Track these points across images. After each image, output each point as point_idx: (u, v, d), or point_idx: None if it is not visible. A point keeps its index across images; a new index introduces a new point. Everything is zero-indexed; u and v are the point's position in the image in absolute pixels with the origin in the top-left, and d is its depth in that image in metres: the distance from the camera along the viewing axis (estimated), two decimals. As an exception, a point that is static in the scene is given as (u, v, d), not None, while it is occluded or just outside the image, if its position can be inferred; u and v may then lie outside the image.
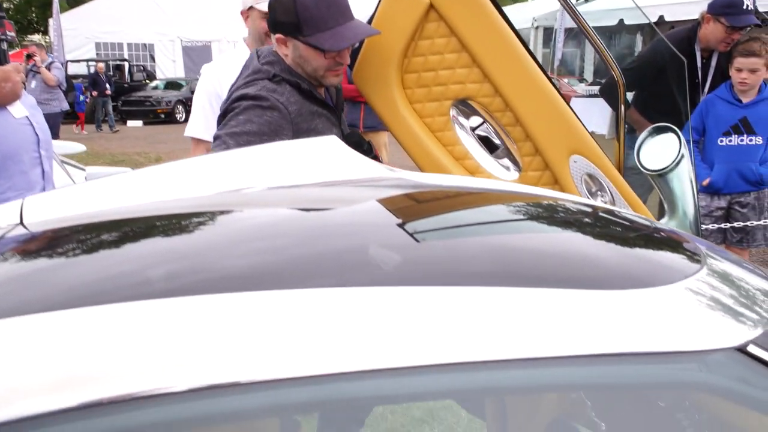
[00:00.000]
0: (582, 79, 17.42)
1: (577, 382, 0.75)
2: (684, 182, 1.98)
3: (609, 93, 3.40)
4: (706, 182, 3.37)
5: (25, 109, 2.46)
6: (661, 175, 1.93)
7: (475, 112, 2.07)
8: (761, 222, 3.33)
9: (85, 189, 1.18)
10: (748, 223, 3.36)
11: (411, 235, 0.96)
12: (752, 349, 0.73)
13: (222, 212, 1.07)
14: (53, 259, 0.92)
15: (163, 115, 16.58)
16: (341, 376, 0.66)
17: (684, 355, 0.72)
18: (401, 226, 0.99)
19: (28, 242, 1.01)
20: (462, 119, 2.09)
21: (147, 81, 18.91)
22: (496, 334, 0.70)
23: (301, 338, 0.68)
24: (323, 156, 1.26)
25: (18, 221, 1.07)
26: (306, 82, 1.83)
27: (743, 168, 3.36)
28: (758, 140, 3.35)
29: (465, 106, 2.07)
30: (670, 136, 1.98)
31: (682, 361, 0.72)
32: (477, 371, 0.68)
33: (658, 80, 3.36)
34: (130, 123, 16.44)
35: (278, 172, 1.21)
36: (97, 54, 19.52)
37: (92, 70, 16.16)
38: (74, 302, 0.72)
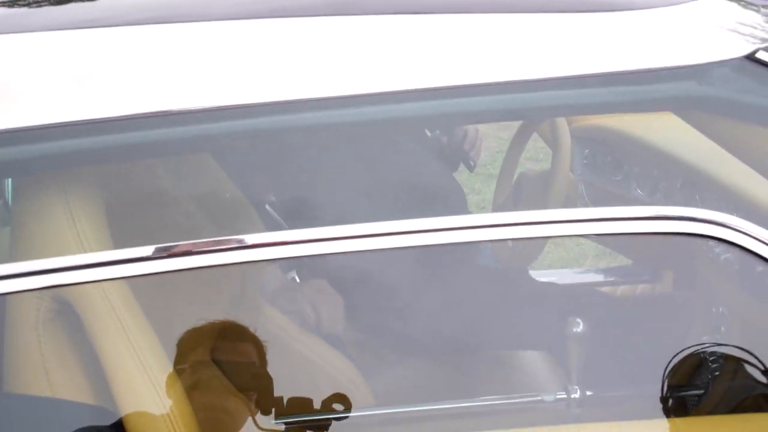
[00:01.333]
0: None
1: (586, 101, 0.76)
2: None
3: None
4: None
5: None
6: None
7: None
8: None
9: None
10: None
11: None
12: (762, 54, 0.71)
13: None
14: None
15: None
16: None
17: (690, 69, 0.71)
18: None
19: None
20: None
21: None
22: (494, 58, 0.71)
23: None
24: None
25: None
26: None
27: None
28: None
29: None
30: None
31: (687, 75, 0.71)
32: (484, 94, 0.70)
33: None
34: None
35: None
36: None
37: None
38: (73, 25, 0.74)
